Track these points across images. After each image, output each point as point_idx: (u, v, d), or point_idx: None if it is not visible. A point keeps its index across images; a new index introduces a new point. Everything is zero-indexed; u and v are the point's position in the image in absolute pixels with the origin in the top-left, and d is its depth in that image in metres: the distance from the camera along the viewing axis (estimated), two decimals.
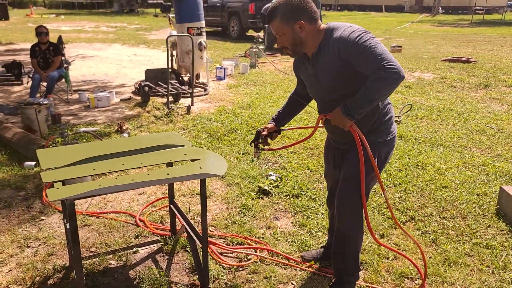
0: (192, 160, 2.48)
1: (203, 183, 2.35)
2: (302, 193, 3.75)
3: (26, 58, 7.90)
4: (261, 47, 11.78)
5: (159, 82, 7.25)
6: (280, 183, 3.91)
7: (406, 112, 6.10)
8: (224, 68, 8.76)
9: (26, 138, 4.55)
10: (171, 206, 3.06)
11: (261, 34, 14.22)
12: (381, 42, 1.91)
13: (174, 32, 7.79)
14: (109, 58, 11.32)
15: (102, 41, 14.85)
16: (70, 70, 9.53)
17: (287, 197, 3.69)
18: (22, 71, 8.10)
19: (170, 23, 8.88)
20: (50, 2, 39.88)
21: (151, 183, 2.17)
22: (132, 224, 3.28)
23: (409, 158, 4.48)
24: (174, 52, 7.86)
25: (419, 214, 3.40)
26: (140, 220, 3.33)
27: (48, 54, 6.76)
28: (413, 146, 4.84)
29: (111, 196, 3.69)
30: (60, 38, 7.39)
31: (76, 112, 6.30)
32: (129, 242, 3.04)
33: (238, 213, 3.44)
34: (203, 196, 2.39)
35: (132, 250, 2.93)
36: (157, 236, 3.10)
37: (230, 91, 7.70)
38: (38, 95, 6.50)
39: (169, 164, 2.65)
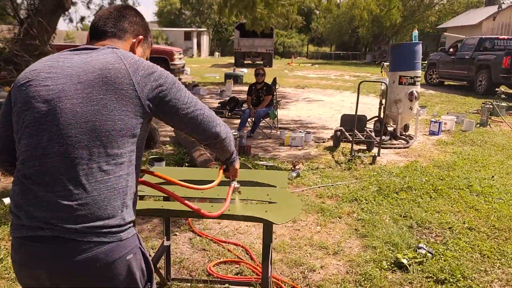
0: (270, 202, 2.24)
1: (265, 229, 2.08)
2: (452, 279, 2.89)
3: None
4: (503, 104, 10.03)
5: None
6: (427, 260, 3.13)
7: None
8: (440, 123, 7.80)
9: (206, 161, 5.08)
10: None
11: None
12: None
13: (385, 80, 7.48)
14: (332, 104, 11.67)
15: (336, 88, 15.48)
16: (287, 110, 10.34)
17: (427, 280, 2.91)
18: (237, 107, 9.20)
19: (381, 71, 8.58)
20: (312, 53, 44.55)
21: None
22: (240, 261, 3.18)
23: None
24: (383, 101, 7.50)
25: None
26: (251, 258, 3.22)
27: (261, 93, 7.46)
28: None
29: (242, 229, 3.71)
30: (274, 79, 8.09)
31: (269, 147, 6.67)
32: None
33: (355, 280, 2.91)
34: (266, 245, 2.12)
35: (224, 286, 2.83)
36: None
37: (437, 147, 6.77)
38: (248, 128, 7.25)
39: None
